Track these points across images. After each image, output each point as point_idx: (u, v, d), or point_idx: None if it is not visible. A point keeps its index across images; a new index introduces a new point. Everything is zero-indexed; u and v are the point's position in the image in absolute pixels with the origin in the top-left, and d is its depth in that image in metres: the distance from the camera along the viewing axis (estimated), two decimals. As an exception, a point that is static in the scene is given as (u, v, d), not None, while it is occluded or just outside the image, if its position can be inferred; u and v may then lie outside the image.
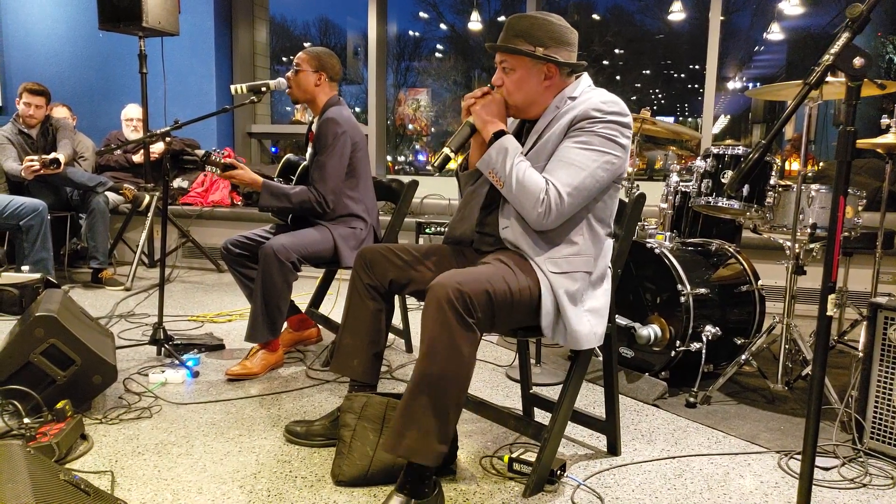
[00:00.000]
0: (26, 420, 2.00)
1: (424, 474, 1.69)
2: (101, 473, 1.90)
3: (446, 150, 1.82)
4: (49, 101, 4.46)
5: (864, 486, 1.96)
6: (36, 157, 4.11)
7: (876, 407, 2.14)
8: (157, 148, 5.09)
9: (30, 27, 6.24)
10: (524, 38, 1.82)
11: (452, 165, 1.94)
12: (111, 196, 4.70)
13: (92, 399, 2.36)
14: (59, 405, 2.06)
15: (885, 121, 2.84)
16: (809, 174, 2.65)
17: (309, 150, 2.93)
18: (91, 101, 6.05)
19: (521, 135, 1.95)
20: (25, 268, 3.96)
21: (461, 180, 2.07)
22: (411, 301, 3.39)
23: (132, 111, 5.24)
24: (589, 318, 1.83)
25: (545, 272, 1.79)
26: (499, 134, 1.82)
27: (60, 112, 5.12)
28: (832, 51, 1.30)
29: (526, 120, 1.97)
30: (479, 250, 1.98)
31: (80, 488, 1.53)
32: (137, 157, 5.15)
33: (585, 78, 1.91)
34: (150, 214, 4.64)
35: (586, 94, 1.85)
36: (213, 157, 2.67)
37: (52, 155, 4.15)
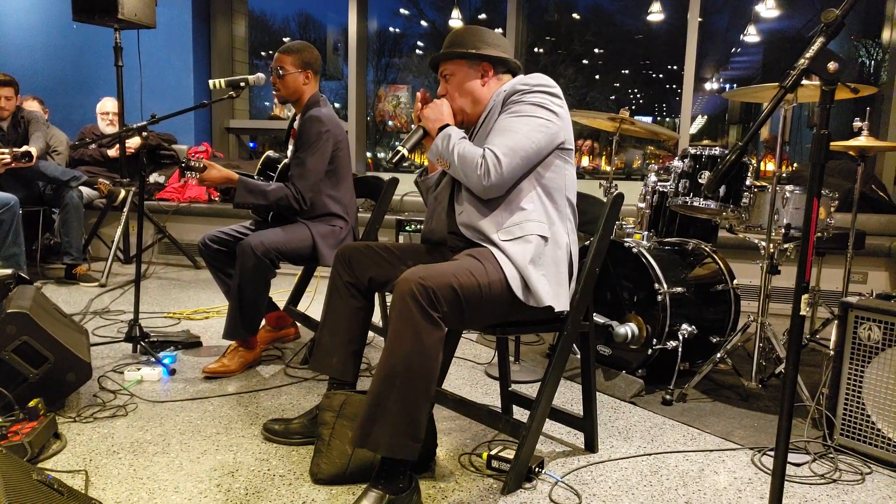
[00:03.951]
0: (-2, 418, 1.97)
1: (398, 469, 1.69)
2: (75, 473, 1.88)
3: (401, 149, 1.94)
4: (18, 91, 4.37)
5: (834, 481, 2.00)
6: (7, 150, 4.03)
7: (846, 404, 2.19)
8: (133, 142, 5.02)
9: (1, 17, 6.11)
10: (457, 45, 1.99)
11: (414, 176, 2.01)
12: (85, 191, 4.62)
13: (66, 397, 2.32)
14: (32, 403, 2.03)
15: (857, 123, 2.89)
16: (784, 175, 2.69)
17: (290, 146, 2.91)
18: (64, 94, 5.94)
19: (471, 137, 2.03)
20: (-4, 263, 3.88)
21: (422, 189, 2.17)
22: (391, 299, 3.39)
23: (108, 105, 5.16)
24: (547, 280, 1.84)
25: (500, 246, 1.82)
26: (444, 127, 1.92)
27: (31, 105, 5.02)
28: (807, 55, 1.32)
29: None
30: (453, 250, 2.00)
31: (54, 488, 1.51)
32: (112, 152, 5.07)
33: (519, 76, 2.01)
34: (125, 210, 4.58)
35: (515, 80, 1.96)
36: (193, 163, 2.64)
37: (24, 148, 4.07)
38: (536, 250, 1.83)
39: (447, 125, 1.93)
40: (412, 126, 2.02)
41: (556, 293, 1.84)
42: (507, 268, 1.79)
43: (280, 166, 2.86)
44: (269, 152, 2.94)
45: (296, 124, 2.86)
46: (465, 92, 1.98)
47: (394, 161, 1.93)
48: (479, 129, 1.97)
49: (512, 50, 2.05)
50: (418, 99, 2.04)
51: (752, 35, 6.16)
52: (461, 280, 1.69)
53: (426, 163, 2.16)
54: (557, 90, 1.90)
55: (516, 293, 1.78)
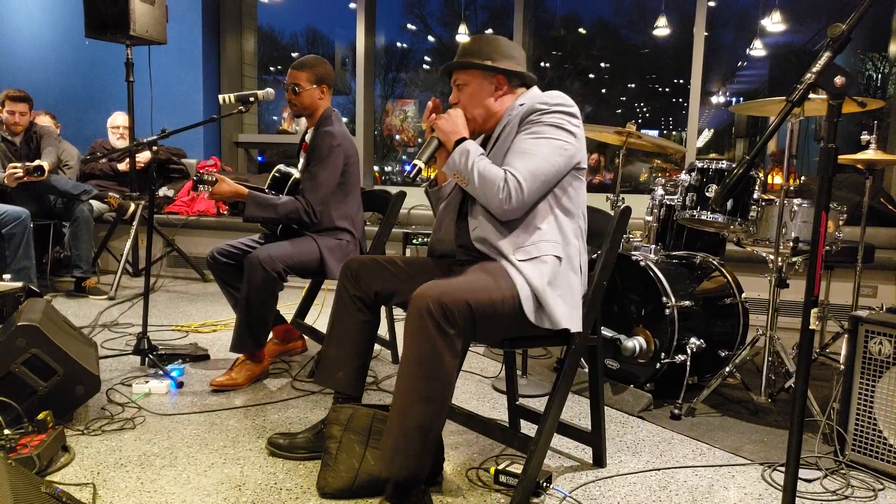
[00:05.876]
0: (6, 431, 1.97)
1: (413, 484, 1.69)
2: (83, 486, 1.88)
3: (417, 162, 1.92)
4: (32, 106, 4.42)
5: (846, 497, 1.98)
6: (19, 165, 4.07)
7: (857, 419, 2.17)
8: (144, 157, 5.06)
9: (14, 33, 6.20)
10: (473, 55, 1.96)
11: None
12: (95, 204, 4.66)
13: (74, 410, 2.33)
14: (41, 416, 2.03)
15: (864, 137, 2.89)
16: (792, 188, 2.68)
17: (301, 160, 2.93)
18: (76, 109, 6.00)
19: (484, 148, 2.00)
20: (7, 276, 3.89)
21: (432, 198, 2.15)
22: (398, 312, 3.39)
23: (118, 119, 5.21)
24: (563, 301, 1.84)
25: (516, 266, 1.81)
26: (461, 140, 1.90)
27: (43, 120, 5.07)
28: (814, 69, 1.33)
29: (487, 136, 2.04)
30: (461, 262, 2.00)
31: (62, 501, 1.51)
32: (123, 166, 5.11)
33: (534, 88, 2.00)
34: (135, 223, 4.61)
35: (533, 97, 1.94)
36: (206, 177, 2.66)
37: (37, 162, 4.11)
38: (552, 271, 1.83)
39: (464, 138, 1.91)
40: (418, 139, 2.03)
41: (570, 314, 1.84)
42: (522, 288, 1.78)
43: (290, 181, 2.87)
44: (280, 166, 2.95)
45: (307, 137, 2.88)
46: (479, 103, 1.96)
47: (412, 176, 1.91)
48: (496, 146, 1.95)
49: (525, 60, 2.04)
50: (429, 108, 2.01)
51: (758, 49, 6.18)
52: (476, 296, 1.69)
53: (432, 175, 2.15)
54: (575, 109, 1.89)
55: (528, 315, 1.78)
